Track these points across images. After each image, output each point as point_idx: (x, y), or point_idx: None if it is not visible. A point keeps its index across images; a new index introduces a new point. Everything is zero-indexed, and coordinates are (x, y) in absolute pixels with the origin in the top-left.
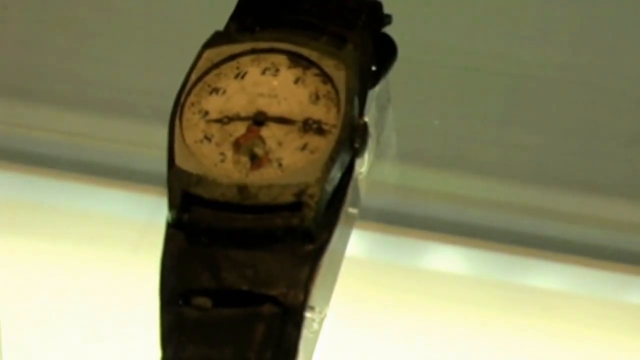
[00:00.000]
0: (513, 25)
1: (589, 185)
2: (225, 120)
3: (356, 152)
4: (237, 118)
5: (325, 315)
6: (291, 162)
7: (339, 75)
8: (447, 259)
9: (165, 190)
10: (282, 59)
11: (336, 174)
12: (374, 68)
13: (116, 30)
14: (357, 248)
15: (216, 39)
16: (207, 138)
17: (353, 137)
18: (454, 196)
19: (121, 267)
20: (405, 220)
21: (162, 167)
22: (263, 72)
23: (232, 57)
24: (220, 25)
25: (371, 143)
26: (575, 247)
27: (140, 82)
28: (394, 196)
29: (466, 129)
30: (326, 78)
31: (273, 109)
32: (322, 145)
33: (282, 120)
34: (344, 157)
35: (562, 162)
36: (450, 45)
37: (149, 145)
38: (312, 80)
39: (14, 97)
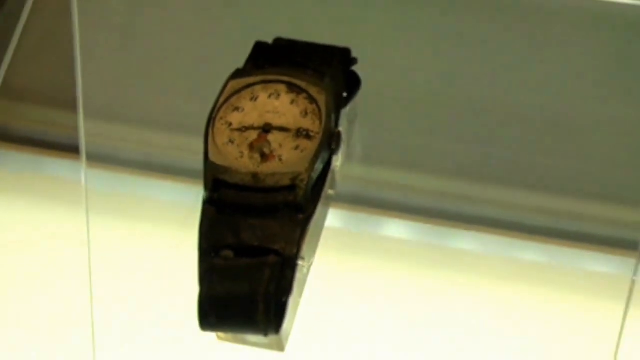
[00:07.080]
0: (453, 62)
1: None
2: (243, 129)
3: (333, 152)
4: (251, 128)
5: (311, 263)
6: (288, 157)
7: (321, 99)
8: (398, 230)
9: (202, 180)
10: (282, 87)
11: (319, 166)
12: (345, 94)
13: (165, 68)
14: (333, 221)
15: (237, 74)
16: (231, 141)
17: (331, 141)
18: (402, 185)
19: (173, 237)
20: (368, 202)
21: (201, 165)
22: (269, 96)
23: (249, 86)
24: (241, 64)
25: (343, 146)
26: (487, 220)
27: (183, 105)
28: (359, 184)
29: (410, 137)
30: (312, 100)
31: (276, 121)
32: (309, 146)
33: (282, 129)
34: (325, 155)
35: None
36: (402, 78)
37: (192, 151)
38: (302, 102)
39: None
